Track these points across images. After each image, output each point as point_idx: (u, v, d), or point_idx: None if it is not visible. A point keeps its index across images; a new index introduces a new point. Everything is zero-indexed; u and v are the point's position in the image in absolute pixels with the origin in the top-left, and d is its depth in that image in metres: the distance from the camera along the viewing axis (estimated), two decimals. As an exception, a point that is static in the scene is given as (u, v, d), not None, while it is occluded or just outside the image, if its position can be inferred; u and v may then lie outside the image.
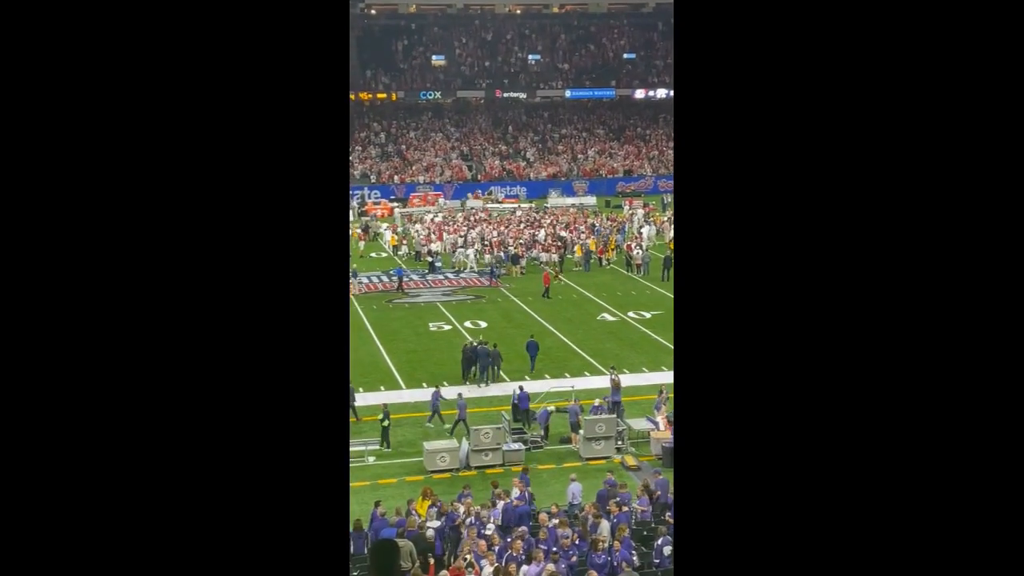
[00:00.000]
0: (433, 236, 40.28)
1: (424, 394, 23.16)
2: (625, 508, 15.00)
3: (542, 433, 20.55)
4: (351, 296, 31.60)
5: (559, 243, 38.77)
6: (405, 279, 34.61)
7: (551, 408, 21.07)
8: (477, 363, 24.03)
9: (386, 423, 20.06)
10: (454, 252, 38.54)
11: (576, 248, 37.99)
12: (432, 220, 44.01)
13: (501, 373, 24.32)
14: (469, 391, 22.96)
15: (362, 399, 22.07)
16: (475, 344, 24.75)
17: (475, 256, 38.00)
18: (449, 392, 22.24)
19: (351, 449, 18.24)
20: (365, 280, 34.89)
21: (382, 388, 23.45)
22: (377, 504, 15.05)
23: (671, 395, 19.66)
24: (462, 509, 14.95)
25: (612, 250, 38.45)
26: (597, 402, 20.59)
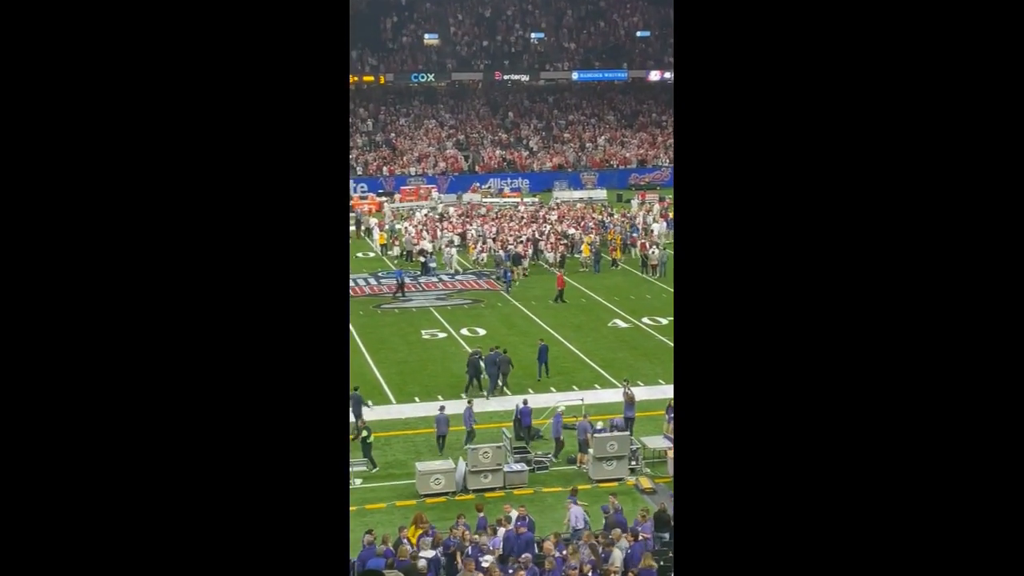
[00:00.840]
0: (426, 233, 40.28)
1: (416, 409, 23.19)
2: (642, 537, 14.97)
3: (556, 442, 20.37)
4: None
5: (566, 241, 38.76)
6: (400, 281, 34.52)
7: (561, 409, 20.97)
8: (484, 372, 24.05)
9: (369, 440, 20.02)
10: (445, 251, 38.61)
11: (583, 247, 37.98)
12: (424, 216, 43.99)
13: (504, 387, 24.33)
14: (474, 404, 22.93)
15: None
16: (479, 352, 24.77)
17: (458, 255, 38.00)
18: (460, 405, 22.23)
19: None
20: (351, 283, 34.90)
21: (370, 403, 23.43)
22: (369, 531, 15.02)
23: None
24: (459, 535, 14.93)
25: (619, 249, 38.40)
26: (600, 425, 20.50)
